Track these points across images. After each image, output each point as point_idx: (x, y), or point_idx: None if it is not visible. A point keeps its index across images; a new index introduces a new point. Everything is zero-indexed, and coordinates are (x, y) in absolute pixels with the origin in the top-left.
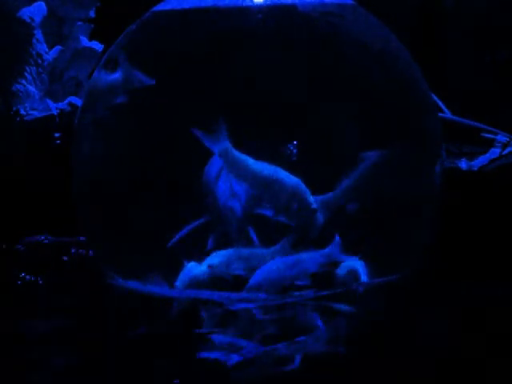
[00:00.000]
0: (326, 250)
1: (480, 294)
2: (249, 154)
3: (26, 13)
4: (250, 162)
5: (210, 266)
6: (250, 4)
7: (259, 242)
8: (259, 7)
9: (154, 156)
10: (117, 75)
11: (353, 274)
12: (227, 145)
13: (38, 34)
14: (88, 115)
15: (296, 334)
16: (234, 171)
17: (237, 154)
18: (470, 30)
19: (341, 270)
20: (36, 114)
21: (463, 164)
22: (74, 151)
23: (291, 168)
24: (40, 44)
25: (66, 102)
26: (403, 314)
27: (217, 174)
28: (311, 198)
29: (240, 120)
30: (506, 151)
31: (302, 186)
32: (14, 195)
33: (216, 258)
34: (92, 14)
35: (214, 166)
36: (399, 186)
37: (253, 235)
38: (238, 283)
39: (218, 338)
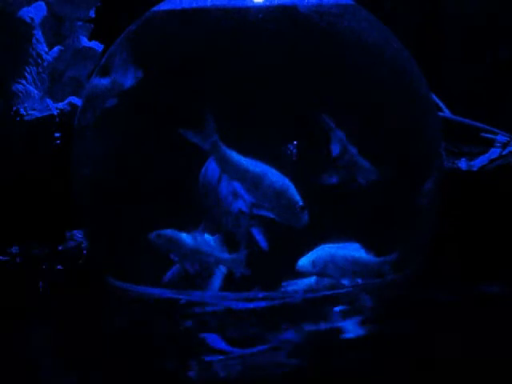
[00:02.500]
0: None
1: (480, 294)
2: (252, 153)
3: (26, 13)
4: (239, 158)
5: (157, 235)
6: (250, 4)
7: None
8: (259, 7)
9: (154, 156)
10: (109, 79)
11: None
12: (216, 140)
13: (38, 34)
14: (87, 117)
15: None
16: (223, 167)
17: (226, 150)
18: (470, 30)
19: (303, 261)
20: (36, 113)
21: (463, 164)
22: (73, 151)
23: (288, 167)
24: (40, 44)
25: (66, 102)
26: (403, 314)
27: (219, 175)
28: (298, 196)
29: (240, 120)
30: (506, 151)
31: (289, 184)
32: (14, 195)
33: (169, 233)
34: (92, 13)
35: (215, 166)
36: (398, 186)
37: (258, 236)
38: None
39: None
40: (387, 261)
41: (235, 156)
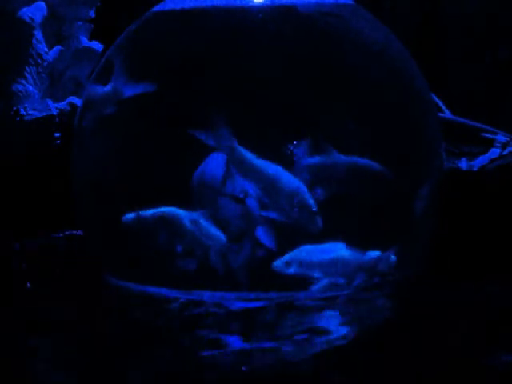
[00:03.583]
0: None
1: (480, 295)
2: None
3: (26, 13)
4: (255, 160)
5: (138, 216)
6: (250, 4)
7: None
8: (259, 7)
9: (155, 156)
10: (109, 87)
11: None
12: (233, 142)
13: (38, 34)
14: (87, 116)
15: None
16: (239, 169)
17: (243, 151)
18: (470, 30)
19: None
20: (36, 114)
21: (463, 164)
22: (73, 151)
23: (292, 168)
24: (40, 44)
25: (66, 102)
26: (404, 314)
27: (224, 174)
28: (312, 200)
29: (241, 120)
30: (506, 151)
31: (303, 188)
32: (14, 195)
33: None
34: (92, 13)
35: (218, 165)
36: (398, 187)
37: (262, 236)
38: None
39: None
40: (374, 259)
41: (253, 158)
